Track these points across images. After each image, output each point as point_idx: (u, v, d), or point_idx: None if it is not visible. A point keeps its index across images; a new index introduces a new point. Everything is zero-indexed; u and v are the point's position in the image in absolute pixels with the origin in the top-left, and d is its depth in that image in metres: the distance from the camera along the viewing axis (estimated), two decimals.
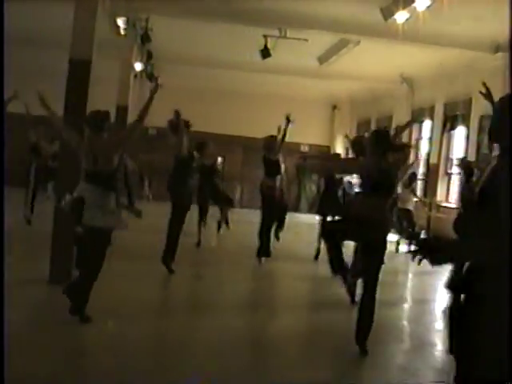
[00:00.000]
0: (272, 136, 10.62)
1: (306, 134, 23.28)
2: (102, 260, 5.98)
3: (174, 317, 6.91)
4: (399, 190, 12.20)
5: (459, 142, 15.64)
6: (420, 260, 2.74)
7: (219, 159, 22.32)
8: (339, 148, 23.27)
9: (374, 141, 6.07)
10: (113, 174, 6.08)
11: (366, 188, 6.08)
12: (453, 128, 15.68)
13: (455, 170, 14.94)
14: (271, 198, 10.43)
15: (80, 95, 7.62)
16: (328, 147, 24.06)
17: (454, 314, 2.99)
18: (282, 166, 10.72)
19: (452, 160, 15.62)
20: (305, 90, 21.34)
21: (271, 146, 10.44)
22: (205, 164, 11.37)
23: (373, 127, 21.94)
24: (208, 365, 5.29)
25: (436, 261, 2.75)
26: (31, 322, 6.01)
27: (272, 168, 10.48)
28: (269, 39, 13.49)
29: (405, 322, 7.84)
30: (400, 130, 7.97)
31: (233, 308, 7.57)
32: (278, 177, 10.53)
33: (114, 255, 9.47)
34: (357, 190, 8.00)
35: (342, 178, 11.04)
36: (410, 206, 13.23)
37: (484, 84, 5.79)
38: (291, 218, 18.19)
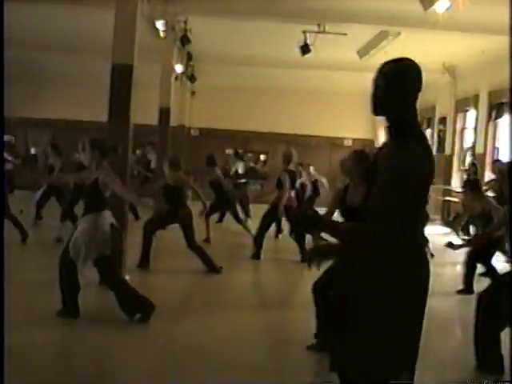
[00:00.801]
0: (289, 150, 10.65)
1: (349, 129, 23.19)
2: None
3: (224, 315, 6.95)
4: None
5: (505, 130, 15.35)
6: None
7: (262, 157, 22.47)
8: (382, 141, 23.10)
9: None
10: None
11: None
12: (498, 117, 15.39)
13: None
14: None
15: (123, 99, 7.73)
16: (372, 141, 23.90)
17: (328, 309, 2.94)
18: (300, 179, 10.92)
19: (498, 149, 15.37)
20: (346, 84, 21.22)
21: (288, 158, 10.45)
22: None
23: None
24: (257, 362, 5.33)
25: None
26: (84, 321, 6.14)
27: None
28: (308, 35, 13.47)
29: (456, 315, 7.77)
30: None
31: (277, 307, 7.59)
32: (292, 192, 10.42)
33: (164, 254, 9.68)
34: None
35: None
36: None
37: None
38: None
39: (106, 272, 6.20)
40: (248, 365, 5.21)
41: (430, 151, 2.80)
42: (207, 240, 11.50)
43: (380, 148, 2.82)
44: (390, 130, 2.80)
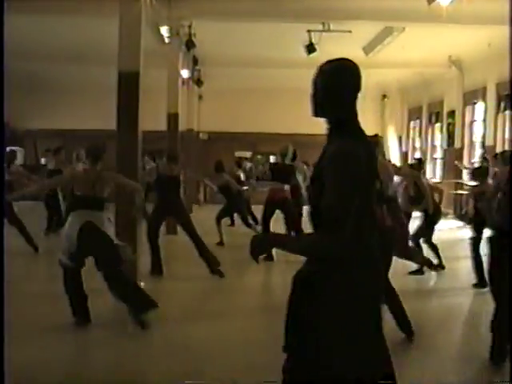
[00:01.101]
0: (284, 145, 10.68)
1: None
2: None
3: (238, 319, 6.95)
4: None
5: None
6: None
7: (271, 158, 22.37)
8: (391, 137, 23.08)
9: None
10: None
11: None
12: (507, 108, 15.31)
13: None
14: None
15: (131, 107, 7.75)
16: (380, 137, 23.85)
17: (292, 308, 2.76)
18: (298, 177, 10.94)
19: (510, 141, 15.28)
20: None
21: (284, 153, 10.45)
22: None
23: (424, 113, 21.65)
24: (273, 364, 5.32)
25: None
26: (97, 326, 6.17)
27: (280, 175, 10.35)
28: (313, 34, 13.47)
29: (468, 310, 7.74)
30: None
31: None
32: (286, 185, 10.30)
33: (177, 259, 9.68)
34: None
35: None
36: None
37: None
38: None
39: (110, 272, 6.16)
40: (264, 367, 5.20)
41: (371, 151, 2.73)
42: (221, 243, 11.51)
43: (323, 151, 2.74)
44: (332, 131, 2.74)
